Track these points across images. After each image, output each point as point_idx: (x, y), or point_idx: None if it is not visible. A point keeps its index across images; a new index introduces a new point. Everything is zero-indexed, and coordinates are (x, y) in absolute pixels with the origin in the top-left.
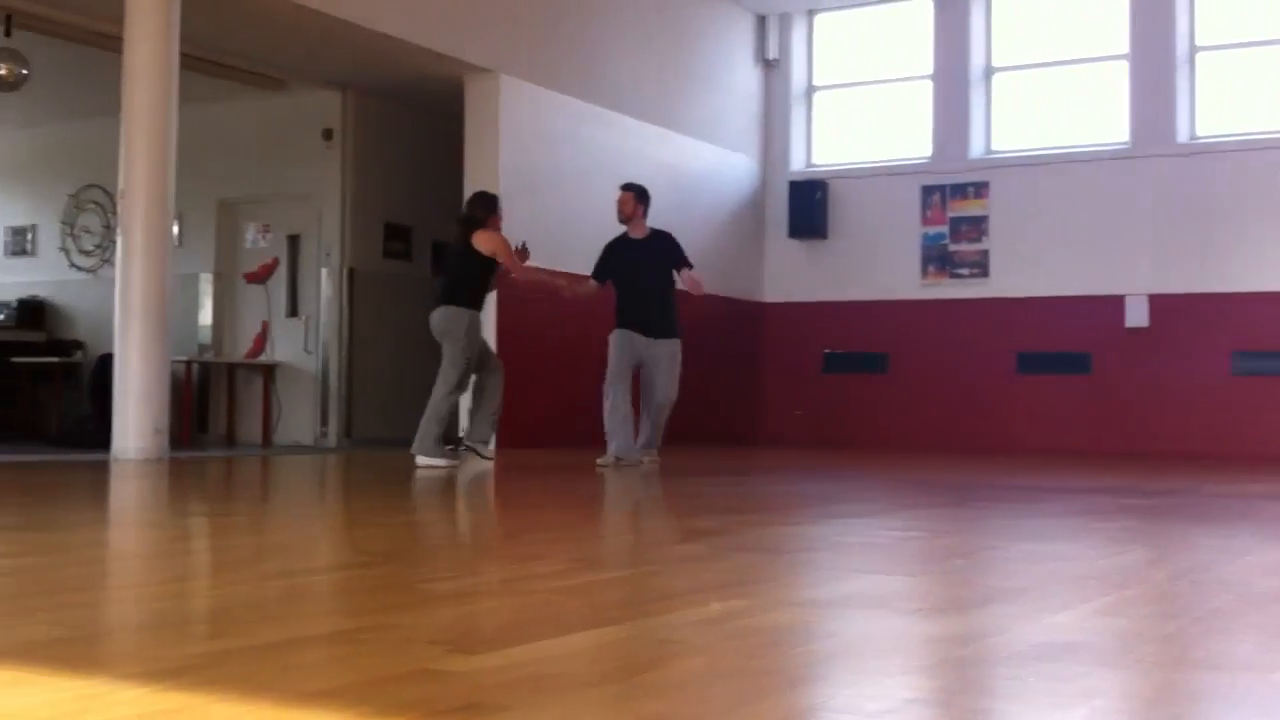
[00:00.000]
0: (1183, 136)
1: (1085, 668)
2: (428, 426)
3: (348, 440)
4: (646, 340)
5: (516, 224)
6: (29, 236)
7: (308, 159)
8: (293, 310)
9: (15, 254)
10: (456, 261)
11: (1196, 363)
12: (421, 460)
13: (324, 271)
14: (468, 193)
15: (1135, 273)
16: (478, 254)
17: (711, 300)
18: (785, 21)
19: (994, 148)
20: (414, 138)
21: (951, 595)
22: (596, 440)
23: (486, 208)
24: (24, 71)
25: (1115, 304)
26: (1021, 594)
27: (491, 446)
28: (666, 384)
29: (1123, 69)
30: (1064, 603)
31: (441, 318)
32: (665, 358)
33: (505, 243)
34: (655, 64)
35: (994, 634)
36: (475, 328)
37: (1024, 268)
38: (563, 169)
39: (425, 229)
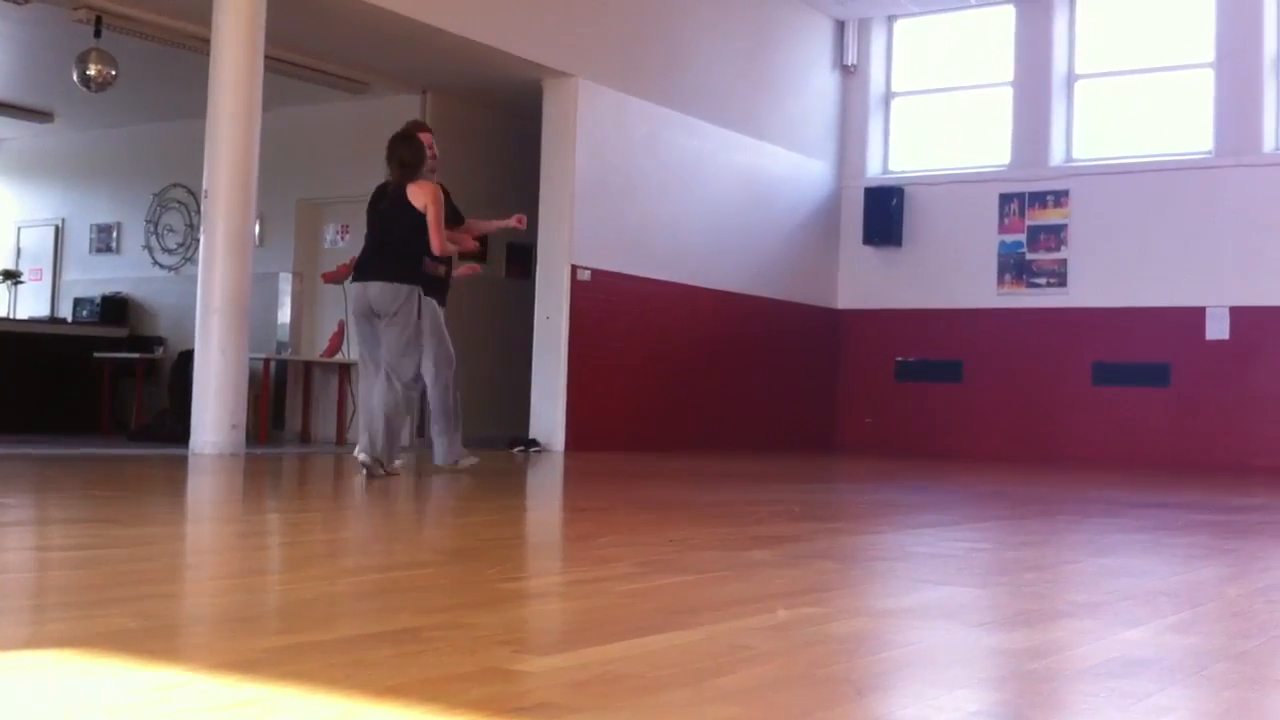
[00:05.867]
0: (1268, 146)
1: (1156, 685)
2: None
3: (419, 440)
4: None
5: (592, 226)
6: (114, 234)
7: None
8: None
9: (100, 251)
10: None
11: (1279, 376)
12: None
13: None
14: (544, 195)
15: (1217, 284)
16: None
17: (785, 306)
18: (864, 27)
19: (1075, 156)
20: (492, 140)
21: (1023, 608)
22: (669, 443)
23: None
24: (112, 72)
25: (1196, 316)
26: (1094, 609)
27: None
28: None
29: (1208, 77)
30: (1136, 618)
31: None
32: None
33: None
34: (733, 69)
35: (1065, 648)
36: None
37: (1103, 278)
38: (639, 173)
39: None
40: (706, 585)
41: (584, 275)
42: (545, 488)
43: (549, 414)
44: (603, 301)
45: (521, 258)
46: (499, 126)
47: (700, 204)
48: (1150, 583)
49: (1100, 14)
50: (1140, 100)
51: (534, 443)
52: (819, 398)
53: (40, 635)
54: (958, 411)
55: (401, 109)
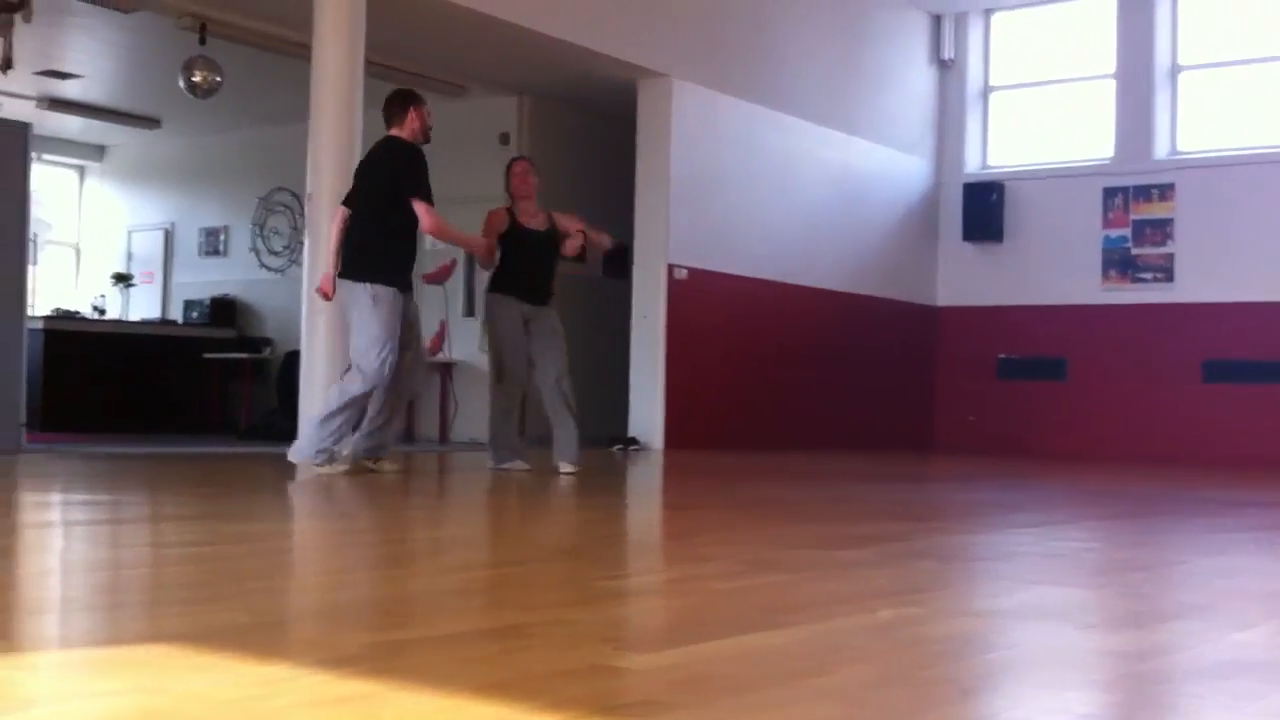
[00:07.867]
0: None
1: (1268, 686)
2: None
3: (521, 438)
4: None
5: (687, 225)
6: (221, 237)
7: (485, 162)
8: (469, 310)
9: (209, 254)
10: None
11: None
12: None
13: None
14: (640, 195)
15: None
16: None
17: (882, 303)
18: (961, 21)
19: (1180, 148)
20: (587, 141)
21: (1131, 609)
22: (766, 440)
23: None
24: (218, 79)
25: None
26: (1204, 610)
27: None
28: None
29: None
30: (1248, 620)
31: None
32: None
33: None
34: (828, 65)
35: (1174, 650)
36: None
37: (1211, 272)
38: (733, 172)
39: None
40: (805, 584)
41: (680, 274)
42: (644, 486)
43: (647, 412)
44: (699, 300)
45: (618, 258)
46: (594, 127)
47: (796, 201)
48: (1263, 583)
49: (1203, 3)
50: (1246, 90)
51: (633, 441)
52: (917, 396)
53: (154, 630)
54: (1062, 410)
55: (498, 111)
